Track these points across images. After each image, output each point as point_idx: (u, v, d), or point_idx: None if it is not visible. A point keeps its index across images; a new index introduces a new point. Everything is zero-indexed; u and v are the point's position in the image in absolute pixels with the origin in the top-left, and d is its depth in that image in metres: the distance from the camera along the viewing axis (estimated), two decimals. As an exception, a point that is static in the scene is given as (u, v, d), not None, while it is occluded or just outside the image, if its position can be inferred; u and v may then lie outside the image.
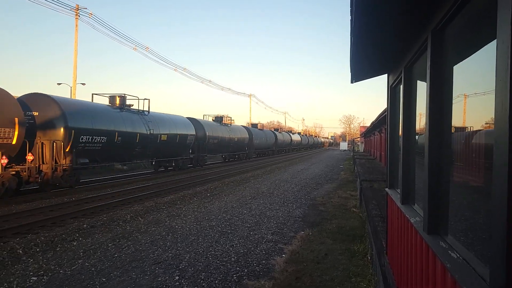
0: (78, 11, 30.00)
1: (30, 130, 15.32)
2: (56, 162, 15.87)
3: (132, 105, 22.76)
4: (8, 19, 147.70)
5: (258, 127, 53.32)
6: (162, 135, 23.90)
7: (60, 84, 39.67)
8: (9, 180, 13.91)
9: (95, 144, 17.98)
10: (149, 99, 23.64)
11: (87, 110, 18.45)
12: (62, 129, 16.18)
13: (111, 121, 19.40)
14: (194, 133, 28.85)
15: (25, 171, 14.81)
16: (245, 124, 52.31)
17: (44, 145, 15.70)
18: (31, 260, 7.26)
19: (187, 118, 29.97)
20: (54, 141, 15.84)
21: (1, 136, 13.57)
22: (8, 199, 13.42)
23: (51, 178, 15.62)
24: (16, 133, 14.10)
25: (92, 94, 21.83)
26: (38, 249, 7.93)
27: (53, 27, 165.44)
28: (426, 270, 2.83)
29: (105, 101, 21.74)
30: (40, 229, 9.71)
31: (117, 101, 21.36)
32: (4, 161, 13.78)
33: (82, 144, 17.17)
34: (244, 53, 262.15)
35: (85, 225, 10.10)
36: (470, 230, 2.40)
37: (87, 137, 17.38)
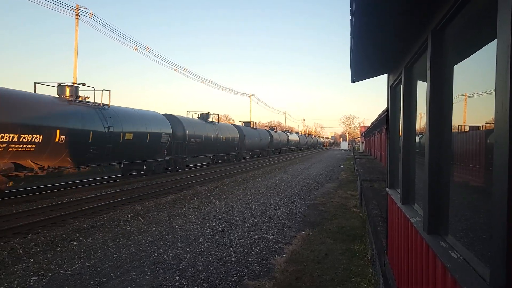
0: (78, 11, 30.02)
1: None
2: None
3: (88, 97, 18.94)
4: (8, 19, 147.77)
5: (252, 126, 49.48)
6: (126, 134, 19.95)
7: (62, 83, 39.50)
8: None
9: (25, 145, 14.27)
10: (109, 91, 19.82)
11: (20, 102, 14.52)
12: None
13: (51, 116, 15.52)
14: (171, 131, 24.91)
15: None
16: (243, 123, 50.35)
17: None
18: (32, 260, 7.27)
19: (163, 114, 26.16)
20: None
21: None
22: (38, 196, 13.55)
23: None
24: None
25: (35, 83, 17.59)
26: (38, 249, 7.93)
27: (53, 27, 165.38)
28: (426, 270, 2.83)
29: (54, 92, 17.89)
30: (40, 229, 9.71)
31: (67, 92, 17.48)
32: None
33: (4, 145, 13.43)
34: (245, 53, 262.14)
35: (85, 225, 10.10)
36: (470, 230, 2.40)
37: (11, 135, 13.56)
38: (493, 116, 1.57)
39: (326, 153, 75.42)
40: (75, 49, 30.35)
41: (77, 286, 6.00)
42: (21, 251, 7.75)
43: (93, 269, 6.77)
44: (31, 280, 6.22)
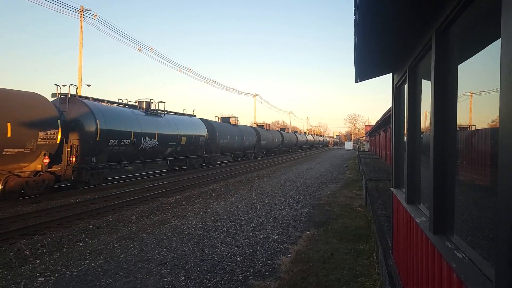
0: (83, 13, 30.17)
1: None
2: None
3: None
4: (15, 21, 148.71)
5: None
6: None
7: (65, 85, 39.68)
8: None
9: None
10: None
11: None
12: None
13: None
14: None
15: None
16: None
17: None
18: (38, 261, 7.31)
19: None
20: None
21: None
22: (44, 197, 14.48)
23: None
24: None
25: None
26: (44, 250, 7.98)
27: (59, 29, 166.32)
28: (432, 270, 2.82)
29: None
30: (46, 230, 9.77)
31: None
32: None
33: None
34: (249, 53, 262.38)
35: (91, 226, 10.15)
36: (475, 230, 2.39)
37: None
38: (498, 115, 1.56)
39: (331, 152, 75.30)
40: (79, 51, 30.51)
41: (83, 287, 6.04)
42: (27, 252, 7.80)
43: (99, 269, 6.81)
44: (38, 281, 6.26)
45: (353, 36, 3.51)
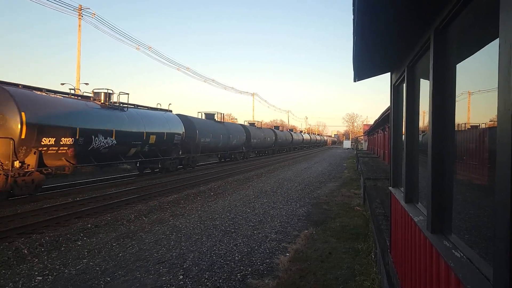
0: (81, 12, 30.10)
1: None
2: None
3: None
4: (12, 20, 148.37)
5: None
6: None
7: (63, 84, 39.71)
8: None
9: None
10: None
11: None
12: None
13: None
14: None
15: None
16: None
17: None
18: (36, 260, 7.31)
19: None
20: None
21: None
22: (42, 195, 13.69)
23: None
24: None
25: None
26: (43, 249, 7.98)
27: (57, 27, 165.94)
28: (430, 269, 2.83)
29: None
30: (44, 229, 9.76)
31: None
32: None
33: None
34: (247, 52, 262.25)
35: (89, 225, 10.14)
36: (474, 229, 2.40)
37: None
38: (496, 114, 1.57)
39: (329, 151, 75.36)
40: (78, 49, 30.46)
41: (82, 286, 6.03)
42: (25, 251, 7.79)
43: (97, 268, 6.80)
44: (36, 280, 6.26)
45: (352, 36, 3.52)
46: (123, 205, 13.19)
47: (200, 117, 33.68)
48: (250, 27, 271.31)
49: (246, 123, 47.46)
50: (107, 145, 18.28)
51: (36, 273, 6.59)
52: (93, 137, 17.25)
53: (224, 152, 36.31)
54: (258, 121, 54.72)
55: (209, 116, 35.00)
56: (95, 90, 19.48)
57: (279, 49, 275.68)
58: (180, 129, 25.55)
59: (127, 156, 20.79)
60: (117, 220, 10.84)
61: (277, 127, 65.75)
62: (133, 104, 22.69)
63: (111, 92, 19.59)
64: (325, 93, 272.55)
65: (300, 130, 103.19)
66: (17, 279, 6.31)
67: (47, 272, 6.63)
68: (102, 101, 19.16)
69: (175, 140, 24.69)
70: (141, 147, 21.43)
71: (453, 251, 2.28)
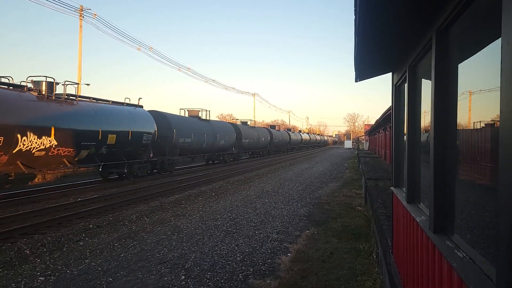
0: (82, 12, 30.15)
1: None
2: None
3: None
4: (13, 20, 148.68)
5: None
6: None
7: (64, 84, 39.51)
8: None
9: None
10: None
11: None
12: None
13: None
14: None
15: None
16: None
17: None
18: (38, 260, 7.32)
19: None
20: None
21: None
22: (44, 196, 13.24)
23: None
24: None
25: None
26: (45, 249, 7.99)
27: (58, 28, 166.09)
28: (432, 269, 2.83)
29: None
30: (46, 229, 9.78)
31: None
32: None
33: None
34: (248, 52, 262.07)
35: (91, 225, 10.16)
36: (476, 229, 2.40)
37: None
38: (498, 114, 1.58)
39: (330, 151, 75.32)
40: (79, 50, 30.50)
41: (84, 286, 6.05)
42: (28, 252, 7.81)
43: (99, 269, 6.81)
44: (38, 280, 6.27)
45: (353, 36, 3.52)
46: (125, 205, 13.20)
47: (183, 114, 30.47)
48: (251, 27, 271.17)
49: (267, 126, 44.07)
50: (41, 148, 14.42)
51: (38, 273, 6.60)
52: (19, 136, 13.32)
53: (210, 153, 32.83)
54: (255, 121, 51.71)
55: (193, 113, 31.47)
56: (33, 79, 15.61)
57: (279, 49, 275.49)
58: (151, 127, 21.98)
59: (76, 160, 16.85)
60: (118, 220, 10.85)
61: (273, 126, 61.95)
62: (87, 97, 18.86)
63: (53, 81, 15.92)
64: (326, 93, 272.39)
65: (300, 130, 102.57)
66: (19, 279, 6.32)
67: (49, 272, 6.64)
68: (44, 92, 15.32)
69: (144, 140, 21.12)
70: (96, 149, 17.49)
71: (456, 251, 2.28)
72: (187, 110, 31.63)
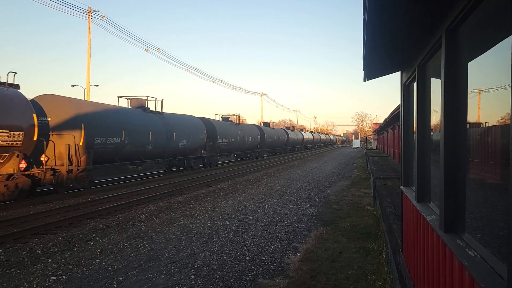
0: (90, 14, 30.38)
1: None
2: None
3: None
4: (24, 23, 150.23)
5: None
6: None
7: (74, 86, 39.81)
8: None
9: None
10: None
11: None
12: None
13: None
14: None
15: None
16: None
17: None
18: (50, 260, 7.41)
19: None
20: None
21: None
22: (24, 201, 13.60)
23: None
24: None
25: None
26: (56, 249, 8.08)
27: (67, 30, 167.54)
28: (443, 269, 2.82)
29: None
30: (57, 229, 9.89)
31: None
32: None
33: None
34: (256, 52, 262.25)
35: (101, 225, 10.25)
36: (487, 227, 2.39)
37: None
38: (508, 112, 1.57)
39: (338, 150, 75.07)
40: (88, 51, 30.73)
41: (95, 286, 6.11)
42: (39, 251, 7.91)
43: (110, 268, 6.88)
44: (50, 280, 6.35)
45: (362, 36, 3.52)
46: (134, 205, 13.30)
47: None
48: (258, 28, 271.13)
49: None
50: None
51: (50, 273, 6.68)
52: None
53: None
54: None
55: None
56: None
57: (287, 49, 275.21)
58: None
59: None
60: (128, 220, 10.94)
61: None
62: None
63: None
64: (333, 92, 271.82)
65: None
66: (31, 279, 6.41)
67: (60, 272, 6.72)
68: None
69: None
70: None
71: (467, 250, 2.27)
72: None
